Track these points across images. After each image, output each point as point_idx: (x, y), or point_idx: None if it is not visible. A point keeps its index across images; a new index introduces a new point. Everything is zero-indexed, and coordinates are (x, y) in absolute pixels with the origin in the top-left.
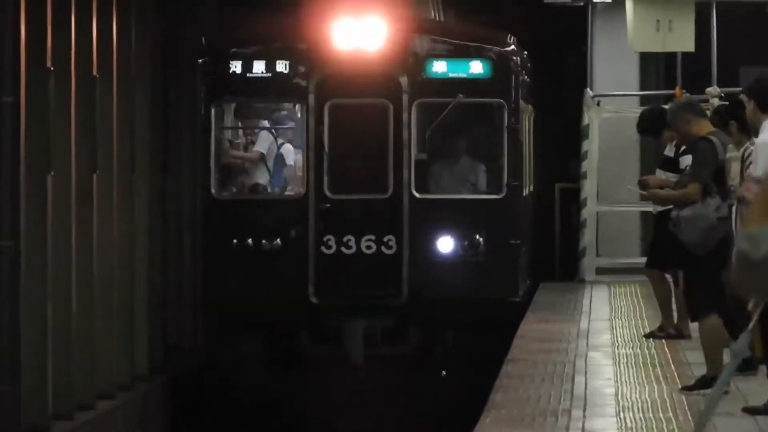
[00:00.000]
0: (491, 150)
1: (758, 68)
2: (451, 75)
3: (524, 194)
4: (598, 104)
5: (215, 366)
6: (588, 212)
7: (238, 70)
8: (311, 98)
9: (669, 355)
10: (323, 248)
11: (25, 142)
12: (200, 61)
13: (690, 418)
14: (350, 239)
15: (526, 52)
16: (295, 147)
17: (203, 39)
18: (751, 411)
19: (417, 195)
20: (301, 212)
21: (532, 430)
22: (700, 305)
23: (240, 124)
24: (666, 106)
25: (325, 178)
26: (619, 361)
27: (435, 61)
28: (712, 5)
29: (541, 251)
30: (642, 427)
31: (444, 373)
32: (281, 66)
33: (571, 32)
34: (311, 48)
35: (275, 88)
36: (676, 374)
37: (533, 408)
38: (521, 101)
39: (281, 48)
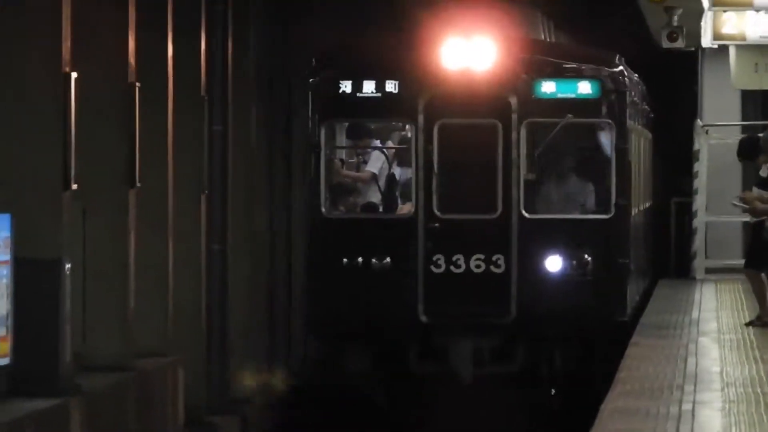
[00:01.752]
0: (599, 170)
1: None
2: (559, 95)
3: (633, 213)
4: (707, 132)
5: (324, 383)
6: (698, 222)
7: (348, 89)
8: (421, 118)
9: (765, 340)
10: (432, 267)
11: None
12: (310, 80)
13: None
14: (459, 258)
15: (636, 75)
16: (407, 167)
17: (313, 59)
18: None
19: (526, 215)
20: (410, 231)
21: (651, 401)
22: None
23: (351, 144)
24: (761, 135)
25: (435, 198)
26: (724, 344)
27: (544, 82)
28: None
29: (660, 254)
30: (743, 400)
31: (553, 391)
32: (391, 86)
33: (684, 72)
34: (421, 68)
35: (385, 108)
36: None
37: (652, 383)
38: (630, 121)
39: (391, 68)
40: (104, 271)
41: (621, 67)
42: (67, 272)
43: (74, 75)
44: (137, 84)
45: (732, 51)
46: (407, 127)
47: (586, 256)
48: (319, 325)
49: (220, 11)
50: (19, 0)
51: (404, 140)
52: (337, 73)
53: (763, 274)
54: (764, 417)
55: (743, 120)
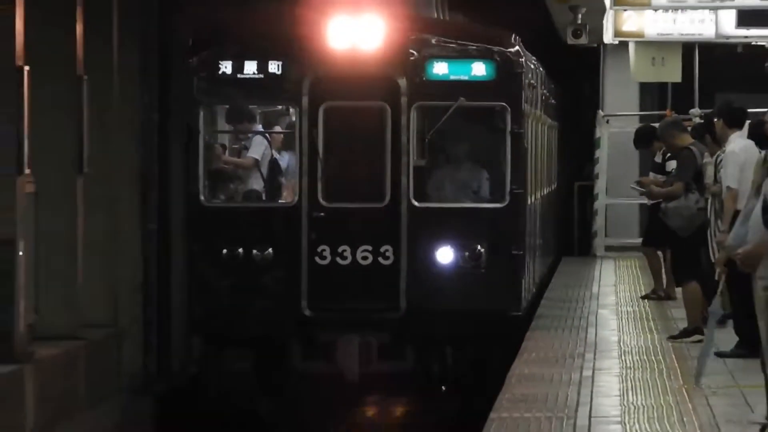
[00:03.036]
0: (494, 156)
1: (729, 94)
2: (452, 77)
3: (531, 201)
4: (608, 122)
5: (203, 383)
6: (599, 204)
7: (228, 70)
8: (305, 100)
9: (659, 312)
10: (317, 259)
11: None
12: (188, 61)
13: (675, 359)
14: (345, 249)
15: (534, 58)
16: (291, 152)
17: (191, 38)
18: (720, 355)
19: (416, 203)
20: (294, 221)
21: (555, 368)
22: (683, 274)
23: (233, 129)
24: (655, 125)
25: (319, 185)
26: (622, 316)
27: (435, 63)
28: (695, 46)
29: (564, 233)
30: (638, 367)
31: (444, 389)
32: (273, 66)
33: (587, 66)
34: (305, 47)
35: (267, 90)
36: (664, 327)
37: (556, 352)
38: (526, 105)
39: (274, 47)
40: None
41: (517, 48)
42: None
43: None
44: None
45: (631, 47)
46: (291, 110)
47: (479, 247)
48: (199, 321)
49: None
50: None
51: (291, 125)
52: (215, 53)
53: (658, 252)
54: (657, 382)
55: (641, 110)
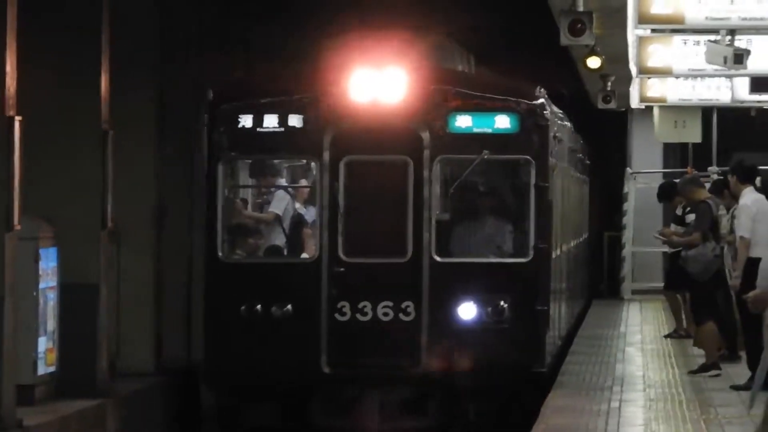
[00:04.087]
0: (518, 210)
1: (744, 153)
2: (475, 130)
3: (556, 255)
4: (635, 178)
5: None
6: (626, 252)
7: (248, 124)
8: (326, 154)
9: (680, 349)
10: (337, 315)
11: None
12: (207, 114)
13: (694, 392)
14: (366, 305)
15: (561, 111)
16: (312, 207)
17: (210, 91)
18: (735, 388)
19: (438, 258)
20: (314, 276)
21: (586, 400)
22: (701, 314)
23: (254, 183)
24: (677, 180)
25: (340, 240)
26: (646, 353)
27: (458, 115)
28: (713, 110)
29: (594, 278)
30: (661, 398)
31: None
32: (294, 120)
33: (615, 127)
34: (326, 100)
35: (288, 144)
36: (684, 362)
37: (587, 385)
38: (552, 159)
39: (294, 101)
40: None
41: (542, 100)
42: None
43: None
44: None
45: (656, 111)
46: (312, 164)
47: (502, 302)
48: (215, 377)
49: None
50: None
51: (312, 179)
52: (235, 106)
53: (678, 295)
54: (678, 413)
55: (664, 168)
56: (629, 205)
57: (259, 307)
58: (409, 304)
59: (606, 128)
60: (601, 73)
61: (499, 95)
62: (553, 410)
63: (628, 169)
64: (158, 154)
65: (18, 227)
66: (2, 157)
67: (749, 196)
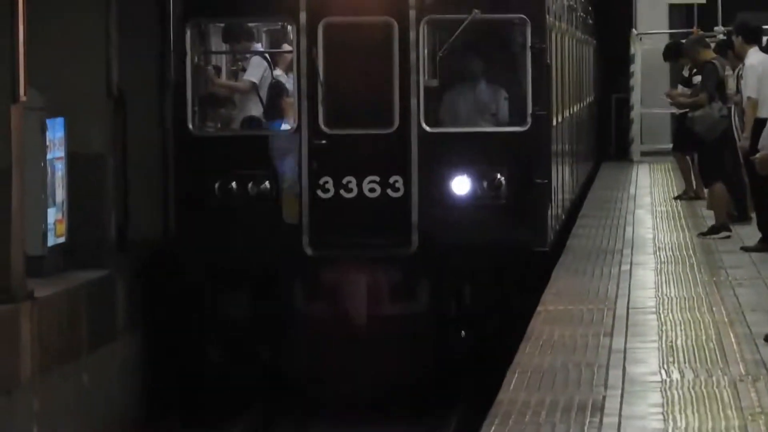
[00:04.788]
0: (513, 74)
1: (749, 13)
2: None
3: (557, 122)
4: (641, 39)
5: (195, 330)
6: (635, 113)
7: None
8: (303, 16)
9: (690, 211)
10: (319, 192)
11: None
12: None
13: (704, 254)
14: (351, 181)
15: None
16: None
17: None
18: (745, 249)
19: (427, 128)
20: (292, 150)
21: (596, 263)
22: (709, 176)
23: (228, 48)
24: (683, 41)
25: (320, 110)
26: (656, 215)
27: None
28: None
29: (602, 141)
30: (672, 261)
31: (463, 333)
32: None
33: None
34: None
35: (260, 4)
36: (695, 224)
37: (597, 248)
38: (549, 17)
39: None
40: None
41: None
42: None
43: None
44: None
45: None
46: (288, 27)
47: (498, 175)
48: (188, 260)
49: None
50: None
51: (287, 43)
52: None
53: (687, 156)
54: (689, 275)
55: (670, 29)
56: (636, 67)
57: (234, 184)
58: (397, 179)
59: None
60: None
61: None
62: (564, 272)
63: (633, 30)
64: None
65: (24, 98)
66: (4, 25)
67: (755, 56)
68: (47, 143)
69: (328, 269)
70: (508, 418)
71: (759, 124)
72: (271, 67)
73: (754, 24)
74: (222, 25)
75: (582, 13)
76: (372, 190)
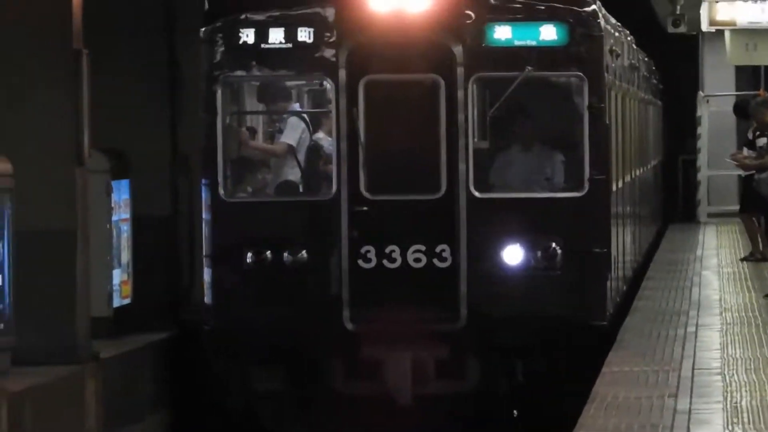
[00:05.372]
0: (569, 136)
1: None
2: (517, 42)
3: (617, 186)
4: (707, 102)
5: (225, 406)
6: (702, 175)
7: (251, 40)
8: (342, 73)
9: (756, 272)
10: (360, 261)
11: None
12: (203, 30)
13: None
14: (394, 250)
15: (619, 24)
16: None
17: (206, 1)
18: None
19: (477, 194)
20: (332, 217)
21: (662, 324)
22: None
23: (263, 109)
24: (750, 102)
25: (361, 174)
26: (723, 277)
27: (497, 26)
28: None
29: (669, 202)
30: (738, 322)
31: (516, 413)
32: (304, 34)
33: (686, 52)
34: (341, 11)
35: (296, 62)
36: (761, 286)
37: (663, 309)
38: (608, 75)
39: (304, 11)
40: None
41: (594, 7)
42: None
43: None
44: None
45: (727, 34)
46: (326, 85)
47: (553, 244)
48: (220, 336)
49: None
50: None
51: (326, 103)
52: (236, 20)
53: (753, 218)
54: (755, 336)
55: (737, 91)
56: (703, 129)
57: (268, 253)
58: (444, 248)
59: (677, 52)
60: None
61: (544, 1)
62: (632, 334)
63: (700, 92)
64: None
65: (88, 160)
66: (70, 91)
67: None
68: (112, 205)
69: (370, 345)
70: None
71: None
72: (309, 129)
73: None
74: (257, 83)
75: (646, 73)
76: (417, 260)
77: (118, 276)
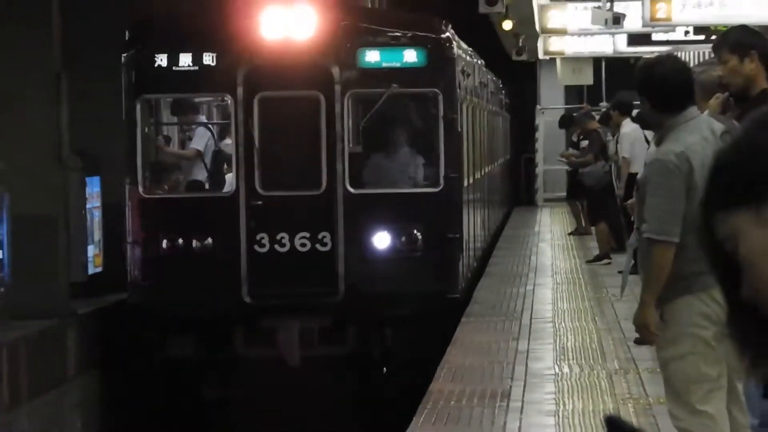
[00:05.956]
0: (428, 141)
1: (626, 91)
2: (384, 64)
3: (469, 182)
4: (543, 113)
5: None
6: (539, 169)
7: (164, 63)
8: (240, 91)
9: (580, 244)
10: (256, 246)
11: None
12: (124, 54)
13: (590, 277)
14: (284, 237)
15: (470, 49)
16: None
17: (126, 31)
18: (621, 272)
19: (351, 190)
20: (232, 210)
21: (508, 284)
22: (595, 217)
23: (176, 120)
24: (574, 114)
25: (257, 174)
26: (554, 247)
27: (368, 51)
28: (601, 60)
29: (515, 190)
30: (565, 281)
31: (385, 370)
32: (208, 58)
33: (528, 75)
34: (239, 38)
35: (202, 82)
36: (583, 254)
37: (509, 272)
38: (460, 91)
39: (208, 39)
40: None
41: (448, 34)
42: None
43: None
44: None
45: (558, 61)
46: (227, 101)
47: (415, 231)
48: (140, 310)
49: None
50: None
51: (227, 115)
52: (151, 46)
53: (577, 202)
54: (579, 293)
55: (566, 104)
56: (540, 134)
57: (180, 240)
58: (325, 235)
59: (521, 75)
60: (513, 33)
61: (406, 30)
62: (481, 290)
63: (538, 106)
64: None
65: (67, 161)
66: (51, 99)
67: (628, 125)
68: (87, 196)
69: (264, 316)
70: (437, 405)
71: (631, 177)
72: (214, 137)
73: (627, 101)
74: (170, 99)
75: (493, 90)
76: (303, 245)
77: (92, 250)
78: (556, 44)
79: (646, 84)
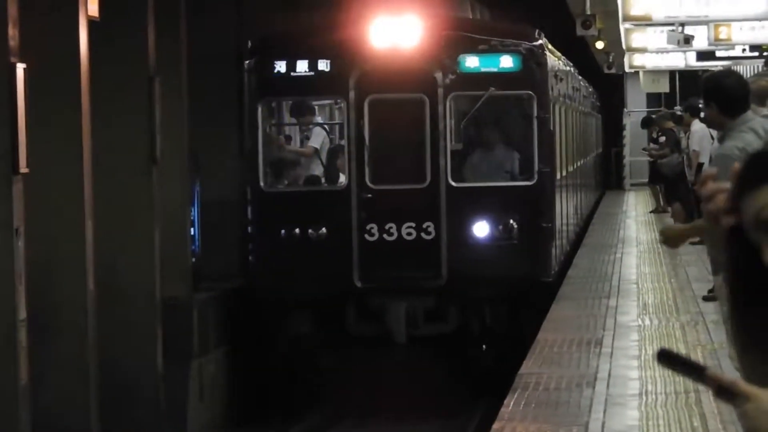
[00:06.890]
0: (522, 139)
1: (696, 97)
2: (483, 69)
3: (561, 176)
4: (629, 114)
5: (270, 345)
6: (626, 160)
7: (283, 69)
8: (352, 94)
9: (659, 220)
10: (366, 236)
11: None
12: (246, 62)
13: (667, 248)
14: (391, 227)
15: (562, 56)
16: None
17: (249, 42)
18: (693, 243)
19: (453, 183)
20: (345, 202)
21: (601, 252)
22: (671, 198)
23: (294, 121)
24: (653, 116)
25: (366, 170)
26: (638, 222)
27: (468, 57)
28: (676, 72)
29: (606, 177)
30: (646, 250)
31: (484, 347)
32: (323, 65)
33: (615, 82)
34: (351, 46)
35: (317, 86)
36: (661, 227)
37: (602, 243)
38: (552, 93)
39: (323, 48)
40: None
41: (540, 42)
42: None
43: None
44: None
45: (641, 73)
46: (340, 103)
47: (511, 221)
48: (260, 293)
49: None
50: None
51: (341, 116)
52: (271, 55)
53: (657, 186)
54: (657, 259)
55: (647, 108)
56: (626, 131)
57: (297, 230)
58: (429, 225)
59: (610, 85)
60: (604, 51)
61: (503, 38)
62: (580, 257)
63: (624, 109)
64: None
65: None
66: (146, 111)
67: (697, 125)
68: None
69: (374, 297)
70: (543, 351)
71: (700, 166)
72: (329, 135)
73: (696, 104)
74: (289, 102)
75: (585, 94)
76: (409, 234)
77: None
78: (638, 60)
79: (714, 92)
